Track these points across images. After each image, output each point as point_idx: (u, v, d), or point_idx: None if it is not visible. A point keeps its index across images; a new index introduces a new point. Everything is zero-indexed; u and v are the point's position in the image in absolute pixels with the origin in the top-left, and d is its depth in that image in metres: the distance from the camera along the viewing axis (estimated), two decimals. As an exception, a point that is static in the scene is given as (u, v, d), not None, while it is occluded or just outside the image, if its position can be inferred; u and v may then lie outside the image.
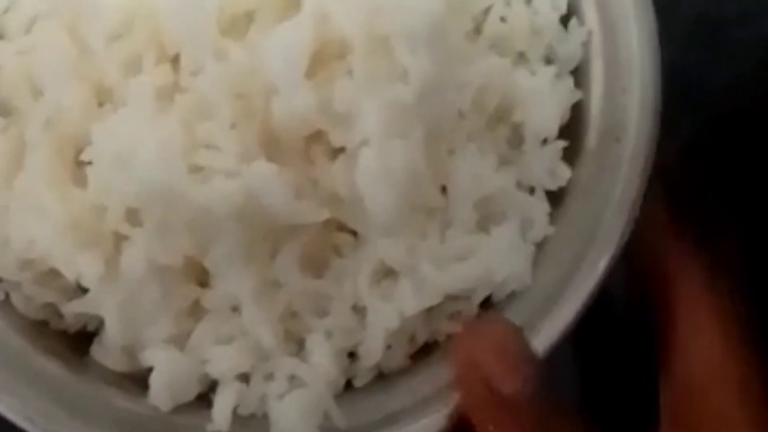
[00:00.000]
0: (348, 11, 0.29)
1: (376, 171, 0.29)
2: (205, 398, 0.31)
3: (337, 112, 0.29)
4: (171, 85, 0.30)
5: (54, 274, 0.31)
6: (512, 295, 0.32)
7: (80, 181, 0.30)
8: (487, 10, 0.33)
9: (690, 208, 0.33)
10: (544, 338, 0.30)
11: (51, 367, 0.32)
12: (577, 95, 0.33)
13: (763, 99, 0.43)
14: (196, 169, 0.29)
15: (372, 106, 0.29)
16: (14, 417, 0.30)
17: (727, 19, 0.43)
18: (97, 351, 0.32)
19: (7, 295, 0.32)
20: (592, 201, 0.32)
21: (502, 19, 0.33)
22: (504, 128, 0.33)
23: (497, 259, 0.31)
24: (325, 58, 0.29)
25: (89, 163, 0.30)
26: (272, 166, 0.28)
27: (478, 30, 0.33)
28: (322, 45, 0.29)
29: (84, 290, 0.31)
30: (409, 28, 0.29)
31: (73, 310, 0.31)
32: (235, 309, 0.31)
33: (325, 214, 0.29)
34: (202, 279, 0.31)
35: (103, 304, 0.31)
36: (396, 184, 0.29)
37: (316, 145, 0.30)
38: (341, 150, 0.30)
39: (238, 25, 0.30)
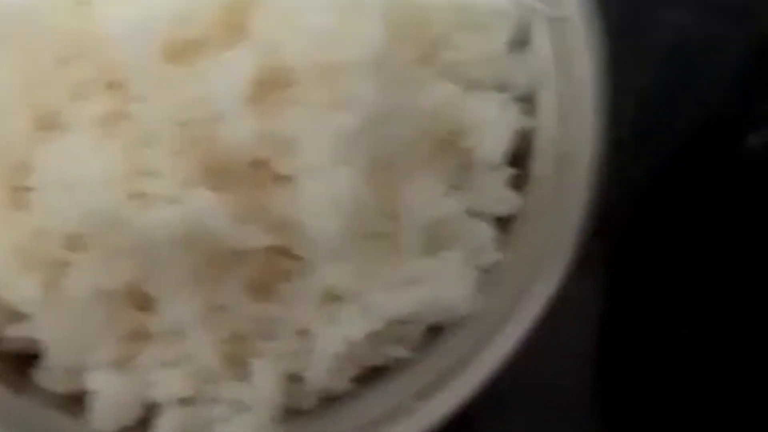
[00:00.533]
0: (294, 41, 0.29)
1: (320, 198, 0.29)
2: (148, 422, 0.31)
3: (282, 140, 0.29)
4: (116, 112, 0.30)
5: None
6: (459, 320, 0.32)
7: (24, 206, 0.30)
8: (441, 38, 0.34)
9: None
10: (488, 364, 0.30)
11: (-8, 388, 0.32)
12: (528, 122, 0.33)
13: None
14: (138, 196, 0.29)
15: (317, 134, 0.29)
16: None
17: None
18: (39, 374, 0.32)
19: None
20: (539, 228, 0.32)
21: (456, 47, 0.34)
22: (454, 154, 0.33)
23: (444, 284, 0.31)
24: (272, 86, 0.30)
25: (34, 189, 0.30)
26: (211, 194, 0.28)
27: (432, 57, 0.34)
28: (269, 73, 0.29)
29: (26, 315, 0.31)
30: (354, 57, 0.29)
31: (12, 334, 0.31)
32: (181, 333, 0.31)
33: (267, 240, 0.29)
34: (148, 303, 0.31)
35: (45, 329, 0.30)
36: (340, 212, 0.29)
37: (264, 171, 0.30)
38: (287, 177, 0.30)
39: (186, 53, 0.30)
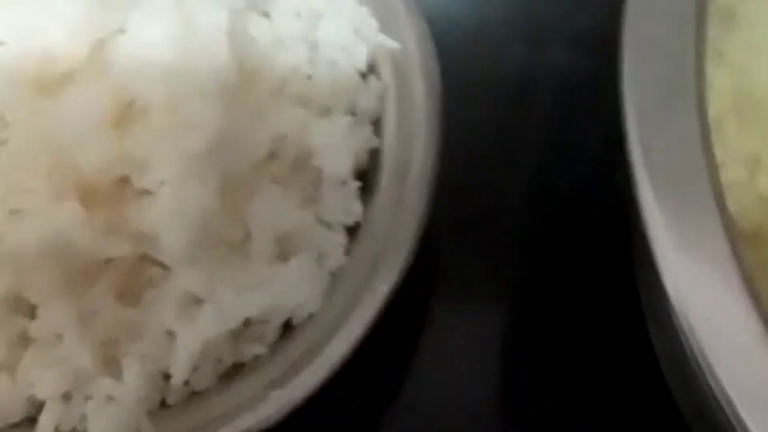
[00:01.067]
0: (147, 74, 0.34)
1: (170, 210, 0.33)
2: (34, 419, 0.35)
3: (137, 160, 0.33)
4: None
5: None
6: (309, 318, 0.36)
7: None
8: (294, 70, 0.38)
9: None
10: (333, 352, 0.34)
11: None
12: (374, 142, 0.38)
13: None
14: (14, 212, 0.33)
15: (166, 153, 0.33)
16: None
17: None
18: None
19: None
20: (379, 234, 0.36)
21: (308, 78, 0.38)
22: (307, 172, 0.37)
23: (291, 286, 0.35)
24: (131, 114, 0.34)
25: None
26: (77, 206, 0.32)
27: (285, 87, 0.38)
28: (128, 101, 0.34)
29: None
30: (201, 88, 0.34)
31: None
32: (59, 337, 0.35)
33: (126, 249, 0.33)
34: (31, 310, 0.35)
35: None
36: (189, 222, 0.33)
37: (126, 188, 0.34)
38: (148, 193, 0.34)
39: (58, 87, 0.34)
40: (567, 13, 0.49)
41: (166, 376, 0.35)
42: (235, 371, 0.36)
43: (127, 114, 0.34)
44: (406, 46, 0.38)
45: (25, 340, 0.35)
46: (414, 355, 0.45)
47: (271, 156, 0.36)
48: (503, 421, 0.44)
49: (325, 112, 0.38)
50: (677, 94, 0.27)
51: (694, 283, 0.26)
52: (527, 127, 0.47)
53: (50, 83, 0.34)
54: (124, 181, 0.34)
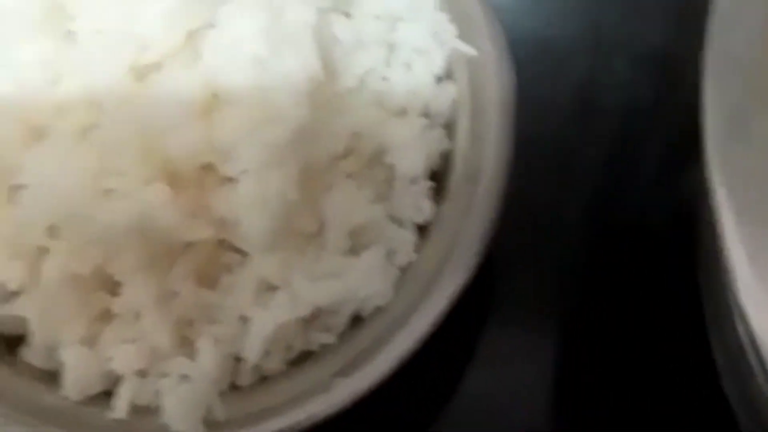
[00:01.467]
0: (237, 65, 0.35)
1: (252, 198, 0.34)
2: (110, 393, 0.36)
3: (223, 147, 0.35)
4: (92, 124, 0.36)
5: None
6: (377, 310, 0.37)
7: (14, 202, 0.36)
8: (372, 70, 0.39)
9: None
10: (398, 347, 0.35)
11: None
12: (446, 145, 0.39)
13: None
14: (106, 192, 0.35)
15: (251, 143, 0.34)
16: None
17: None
18: (25, 351, 0.38)
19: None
20: (449, 234, 0.37)
21: (385, 79, 0.39)
22: (381, 169, 0.38)
23: (363, 278, 0.36)
24: (218, 102, 0.35)
25: (23, 187, 0.36)
26: (165, 188, 0.34)
27: (363, 86, 0.39)
28: (215, 91, 0.35)
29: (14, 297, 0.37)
30: (288, 80, 0.35)
31: (2, 313, 0.37)
32: (138, 315, 0.36)
33: (209, 232, 0.35)
34: (114, 288, 0.36)
35: (27, 308, 0.36)
36: (270, 210, 0.34)
37: (210, 175, 0.36)
38: (230, 180, 0.36)
39: (151, 74, 0.36)
40: (633, 31, 0.50)
41: (238, 359, 0.37)
42: (302, 358, 0.37)
43: (213, 103, 0.35)
44: (483, 54, 0.39)
45: (106, 316, 0.36)
46: (467, 369, 0.46)
47: (347, 152, 0.38)
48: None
49: (400, 113, 0.39)
50: (759, 110, 0.28)
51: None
52: (587, 146, 0.48)
53: (143, 70, 0.36)
54: (208, 167, 0.36)
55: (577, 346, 0.46)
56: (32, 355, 0.37)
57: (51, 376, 0.37)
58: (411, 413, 0.44)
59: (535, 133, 0.46)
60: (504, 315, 0.46)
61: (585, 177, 0.47)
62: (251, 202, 0.34)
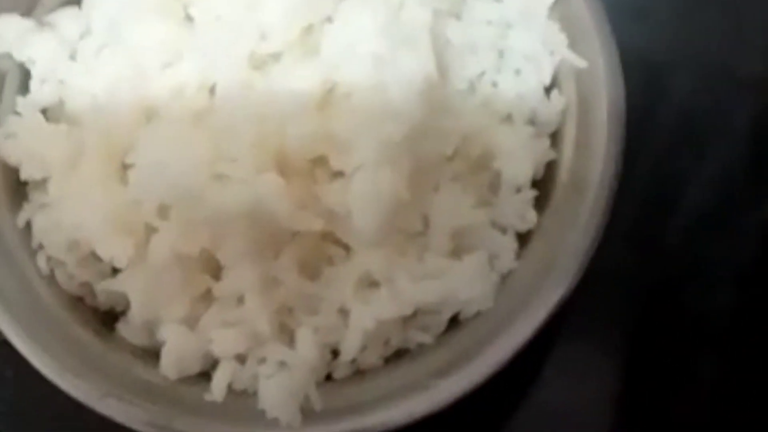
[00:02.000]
0: (355, 60, 0.35)
1: (365, 193, 0.34)
2: (206, 374, 0.37)
3: (338, 141, 0.35)
4: (207, 108, 0.36)
5: (93, 258, 0.37)
6: (476, 315, 0.37)
7: (125, 180, 0.37)
8: (481, 75, 0.39)
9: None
10: (498, 352, 0.35)
11: (84, 335, 0.38)
12: (551, 155, 0.39)
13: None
14: (218, 177, 0.35)
15: (367, 138, 0.34)
16: (47, 371, 0.36)
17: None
18: (122, 327, 0.38)
19: (52, 272, 0.38)
20: (552, 244, 0.37)
21: (494, 84, 0.39)
22: (486, 174, 0.38)
23: (464, 282, 0.36)
24: (334, 96, 0.36)
25: (132, 165, 0.36)
26: (279, 178, 0.34)
27: (473, 90, 0.39)
28: (333, 85, 0.35)
29: (116, 274, 0.37)
30: (405, 78, 0.35)
31: (105, 287, 0.37)
32: (240, 299, 0.36)
33: (320, 224, 0.35)
34: (216, 271, 0.37)
35: (130, 285, 0.36)
36: (381, 206, 0.35)
37: (321, 168, 0.36)
38: (341, 174, 0.36)
39: (267, 64, 0.36)
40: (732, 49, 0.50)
41: (335, 352, 0.37)
42: (398, 355, 0.37)
43: (330, 97, 0.36)
44: (593, 65, 0.39)
45: (208, 299, 0.37)
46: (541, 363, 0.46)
47: (454, 154, 0.38)
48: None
49: (506, 119, 0.39)
50: None
51: None
52: (680, 155, 0.48)
53: (261, 60, 0.36)
54: (320, 160, 0.36)
55: (644, 359, 0.46)
56: (130, 331, 0.38)
57: (147, 354, 0.38)
58: (479, 422, 0.44)
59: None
60: (574, 327, 0.46)
61: (678, 197, 0.47)
62: (363, 198, 0.34)
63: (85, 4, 0.40)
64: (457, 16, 0.40)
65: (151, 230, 0.36)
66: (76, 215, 0.36)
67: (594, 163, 0.38)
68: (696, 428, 0.45)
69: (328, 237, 0.36)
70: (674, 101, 0.48)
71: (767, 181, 0.47)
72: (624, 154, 0.38)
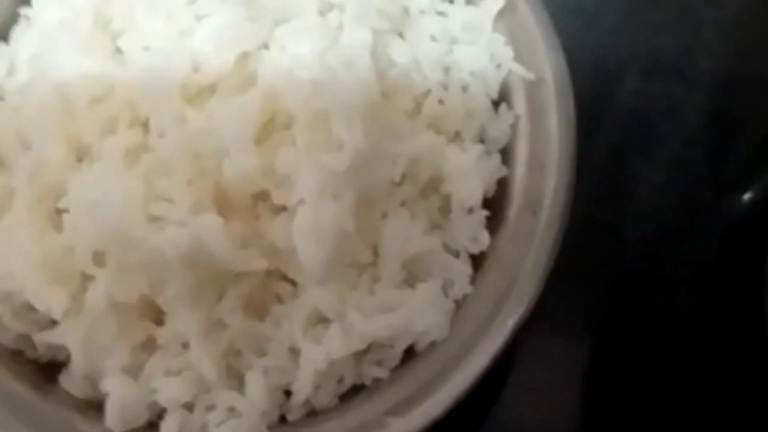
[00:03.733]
0: (293, 88, 0.34)
1: (309, 228, 0.33)
2: (154, 424, 0.35)
3: (279, 175, 0.33)
4: (140, 145, 0.34)
5: (29, 308, 0.35)
6: (432, 345, 0.35)
7: (57, 225, 0.35)
8: (427, 93, 0.38)
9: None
10: (457, 384, 0.34)
11: (22, 391, 0.35)
12: (503, 171, 0.37)
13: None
14: (154, 219, 0.33)
15: (309, 170, 0.33)
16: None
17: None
18: (64, 379, 0.36)
19: (-13, 326, 0.36)
20: (507, 266, 0.36)
21: (440, 102, 0.38)
22: (436, 197, 0.37)
23: (419, 312, 0.35)
24: (273, 127, 0.34)
25: (66, 210, 0.35)
26: (218, 218, 0.32)
27: (418, 109, 0.38)
28: (271, 115, 0.34)
29: (54, 324, 0.35)
30: (346, 104, 0.33)
31: (43, 340, 0.35)
32: (185, 345, 0.35)
33: (264, 264, 0.33)
34: (158, 316, 0.35)
35: (69, 336, 0.34)
36: (326, 241, 0.33)
37: (262, 203, 0.34)
38: (284, 208, 0.34)
39: (202, 96, 0.35)
40: (685, 50, 0.49)
41: (287, 392, 0.35)
42: (354, 392, 0.36)
43: (269, 128, 0.34)
44: (542, 76, 0.37)
45: (151, 346, 0.35)
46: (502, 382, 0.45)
47: (403, 178, 0.36)
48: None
49: (455, 136, 0.38)
50: None
51: None
52: (637, 157, 0.47)
53: (195, 92, 0.34)
54: (261, 194, 0.34)
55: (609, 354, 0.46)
56: (72, 383, 0.36)
57: (92, 407, 0.36)
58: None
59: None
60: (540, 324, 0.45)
61: (635, 200, 0.47)
62: (307, 233, 0.33)
63: (12, 39, 0.39)
64: (400, 35, 0.38)
65: (87, 278, 0.34)
66: (7, 264, 0.34)
67: (547, 178, 0.36)
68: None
69: (274, 274, 0.35)
70: (626, 104, 0.47)
71: (724, 181, 0.46)
72: (577, 161, 0.37)
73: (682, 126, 0.47)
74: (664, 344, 0.45)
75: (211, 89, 0.34)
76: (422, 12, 0.39)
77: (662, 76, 0.48)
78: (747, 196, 0.47)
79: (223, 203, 0.34)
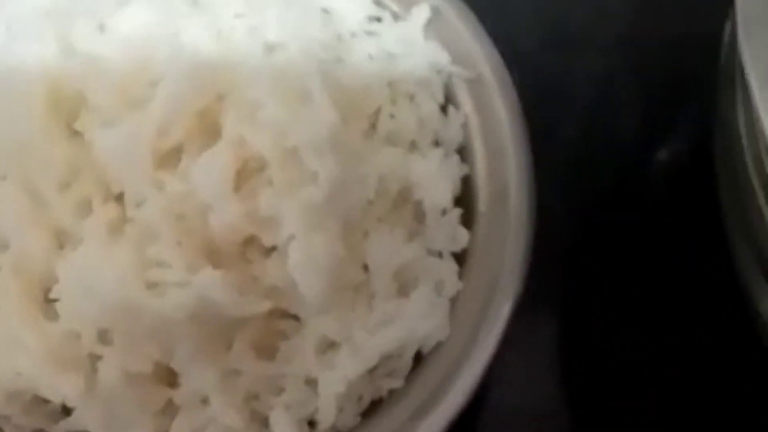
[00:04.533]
0: (259, 133, 0.35)
1: (304, 261, 0.34)
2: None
3: (263, 217, 0.34)
4: (119, 219, 0.35)
5: (39, 401, 0.35)
6: (437, 346, 0.37)
7: (50, 315, 0.35)
8: (378, 110, 0.39)
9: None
10: (468, 377, 0.35)
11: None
12: (464, 169, 0.39)
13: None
14: (152, 285, 0.34)
15: (291, 207, 0.34)
16: None
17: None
18: (89, 462, 0.37)
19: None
20: (490, 256, 0.37)
21: (392, 116, 0.40)
22: (408, 206, 0.38)
23: (418, 317, 0.36)
24: (248, 173, 0.35)
25: (56, 300, 0.35)
26: (215, 271, 0.33)
27: (373, 128, 0.39)
28: (244, 163, 0.35)
29: (68, 411, 0.36)
30: (312, 139, 0.35)
31: (63, 429, 0.35)
32: (204, 401, 0.35)
33: (267, 305, 0.34)
34: (172, 378, 0.35)
35: (88, 419, 0.35)
36: (322, 270, 0.34)
37: (251, 247, 0.35)
38: (273, 248, 0.35)
39: (171, 158, 0.35)
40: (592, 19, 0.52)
41: (311, 423, 0.36)
42: (373, 408, 0.37)
43: (243, 174, 0.35)
44: (481, 73, 0.39)
45: (171, 409, 0.35)
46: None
47: (376, 195, 0.37)
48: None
49: (412, 146, 0.39)
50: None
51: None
52: (561, 130, 0.50)
53: (165, 156, 0.35)
54: (249, 240, 0.35)
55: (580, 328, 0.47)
56: (98, 464, 0.36)
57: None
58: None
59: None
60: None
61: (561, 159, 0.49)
62: (303, 266, 0.34)
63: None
64: (340, 60, 0.40)
65: (96, 358, 0.34)
66: (9, 363, 0.34)
67: (507, 165, 0.38)
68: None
69: (275, 313, 0.36)
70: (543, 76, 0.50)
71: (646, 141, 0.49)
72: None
73: (598, 92, 0.50)
74: (630, 313, 0.47)
75: (179, 150, 0.35)
76: (354, 35, 0.40)
77: (574, 48, 0.51)
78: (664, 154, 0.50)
79: (215, 256, 0.34)
